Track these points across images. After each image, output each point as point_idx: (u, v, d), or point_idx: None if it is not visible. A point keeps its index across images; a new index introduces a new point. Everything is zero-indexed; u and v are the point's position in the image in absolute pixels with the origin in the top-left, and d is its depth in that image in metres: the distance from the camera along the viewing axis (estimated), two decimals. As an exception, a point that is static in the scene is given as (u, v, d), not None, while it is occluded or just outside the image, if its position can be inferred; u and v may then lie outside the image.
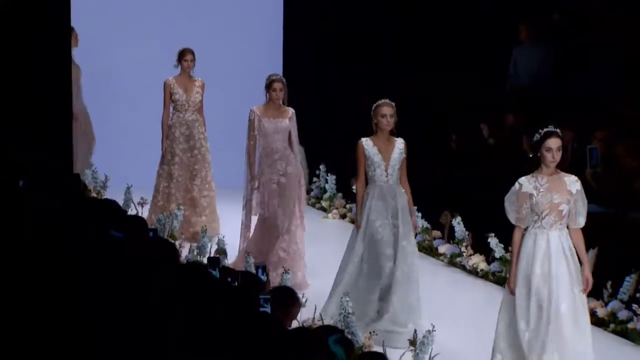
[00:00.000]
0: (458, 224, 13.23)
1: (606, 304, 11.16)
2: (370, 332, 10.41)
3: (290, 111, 11.93)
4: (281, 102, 11.88)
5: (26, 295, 7.81)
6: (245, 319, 7.44)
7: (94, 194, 13.85)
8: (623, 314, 11.02)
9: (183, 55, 13.33)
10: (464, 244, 13.05)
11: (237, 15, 16.90)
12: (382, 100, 10.34)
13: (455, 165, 14.25)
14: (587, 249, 11.69)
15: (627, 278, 11.21)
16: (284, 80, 11.91)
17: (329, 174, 15.42)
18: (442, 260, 13.29)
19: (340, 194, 15.51)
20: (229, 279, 8.59)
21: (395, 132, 10.43)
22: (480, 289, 12.49)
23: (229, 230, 12.99)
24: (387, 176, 10.38)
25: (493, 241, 12.63)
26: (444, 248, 13.32)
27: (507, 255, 12.28)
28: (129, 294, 7.84)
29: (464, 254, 12.94)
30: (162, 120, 13.39)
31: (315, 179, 15.87)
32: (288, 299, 7.98)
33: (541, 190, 8.65)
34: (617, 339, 10.89)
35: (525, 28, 15.66)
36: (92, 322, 7.39)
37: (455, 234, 13.32)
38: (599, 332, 10.90)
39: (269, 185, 11.84)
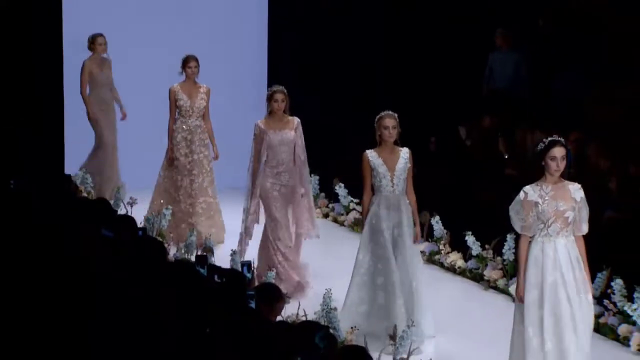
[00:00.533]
0: (437, 223, 13.19)
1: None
2: (352, 327, 10.33)
3: (296, 121, 11.50)
4: (284, 113, 11.46)
5: (20, 288, 7.88)
6: (233, 314, 7.42)
7: (84, 194, 13.76)
8: (595, 309, 10.97)
9: (187, 62, 13.03)
10: (442, 242, 13.04)
11: (224, 23, 16.64)
12: (384, 112, 10.14)
13: (434, 166, 14.17)
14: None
15: (599, 275, 11.23)
16: (285, 91, 11.47)
17: (312, 175, 15.37)
18: (422, 258, 13.25)
19: (322, 194, 15.46)
20: (216, 276, 8.54)
21: (399, 142, 10.23)
22: (458, 285, 12.49)
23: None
24: (392, 186, 10.13)
25: (470, 239, 12.63)
26: (423, 246, 13.25)
27: (484, 253, 12.42)
28: (120, 290, 7.88)
29: (442, 251, 12.95)
30: (169, 126, 13.11)
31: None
32: (272, 295, 7.96)
33: (546, 198, 8.43)
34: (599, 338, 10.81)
35: (501, 35, 15.71)
36: (85, 315, 7.47)
37: (434, 233, 13.27)
38: None
39: (271, 192, 11.43)
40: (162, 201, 13.02)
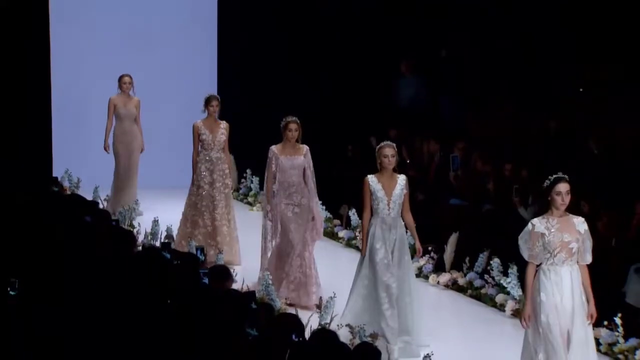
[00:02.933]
0: (353, 214, 13.12)
1: (465, 275, 11.27)
2: (285, 298, 10.31)
3: (305, 148, 10.61)
4: (296, 141, 10.54)
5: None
6: (190, 287, 7.52)
7: (69, 192, 13.72)
8: (478, 282, 11.18)
9: (209, 101, 11.91)
10: (358, 230, 12.87)
11: (181, 48, 16.13)
12: (385, 143, 9.43)
13: (351, 168, 14.20)
14: (451, 234, 11.88)
15: (481, 255, 11.32)
16: (298, 121, 10.54)
17: (253, 176, 15.32)
18: (341, 243, 13.27)
19: (262, 191, 15.14)
20: (176, 258, 8.57)
21: (397, 169, 9.48)
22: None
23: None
24: (389, 209, 9.29)
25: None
26: (342, 233, 13.30)
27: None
28: (95, 269, 7.88)
29: (358, 237, 12.80)
30: (192, 158, 11.95)
31: (243, 180, 15.77)
32: (222, 274, 7.92)
33: (552, 230, 7.65)
34: (473, 301, 11.02)
35: (405, 64, 15.88)
36: (64, 284, 7.44)
37: (351, 222, 13.23)
38: (460, 297, 11.15)
39: (285, 213, 10.51)
40: (188, 225, 11.89)
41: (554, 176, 7.74)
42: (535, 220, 7.74)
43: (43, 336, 6.53)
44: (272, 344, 6.36)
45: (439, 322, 9.80)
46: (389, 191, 9.29)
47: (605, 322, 9.49)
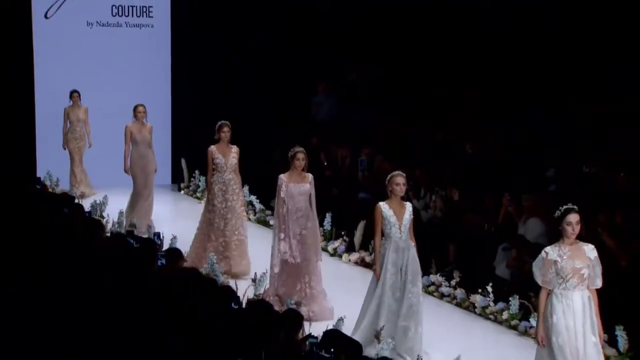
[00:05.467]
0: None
1: (371, 254, 11.14)
2: (227, 273, 10.18)
3: (310, 177, 9.64)
4: (302, 170, 9.60)
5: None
6: (146, 269, 7.50)
7: (50, 190, 13.58)
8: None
9: (221, 128, 10.94)
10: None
11: (141, 70, 15.96)
12: (396, 172, 8.55)
13: (278, 168, 14.16)
14: (359, 222, 11.90)
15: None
16: (305, 151, 9.68)
17: (201, 176, 15.24)
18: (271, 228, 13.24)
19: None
20: (137, 243, 8.50)
21: (405, 197, 8.63)
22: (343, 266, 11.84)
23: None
24: (400, 233, 8.36)
25: (327, 219, 12.26)
26: (272, 221, 13.22)
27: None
28: (75, 251, 7.78)
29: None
30: (207, 179, 11.06)
31: (192, 178, 15.69)
32: (175, 256, 7.78)
33: (564, 257, 6.91)
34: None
35: (321, 84, 15.98)
36: (48, 262, 7.31)
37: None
38: (367, 271, 10.82)
39: (294, 236, 9.50)
40: (201, 238, 10.97)
41: (565, 207, 6.99)
42: (548, 249, 7.01)
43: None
44: (215, 311, 6.30)
45: (350, 292, 9.77)
46: (399, 217, 8.40)
47: (480, 290, 9.69)
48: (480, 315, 9.61)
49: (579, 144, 12.13)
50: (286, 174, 9.59)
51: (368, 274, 10.32)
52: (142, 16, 15.99)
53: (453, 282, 10.29)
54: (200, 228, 11.02)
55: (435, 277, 10.48)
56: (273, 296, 9.44)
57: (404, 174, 8.49)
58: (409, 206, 8.50)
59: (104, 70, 15.55)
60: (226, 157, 10.95)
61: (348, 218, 12.15)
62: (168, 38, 16.11)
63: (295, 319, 6.22)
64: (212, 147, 10.97)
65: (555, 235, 10.10)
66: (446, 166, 12.75)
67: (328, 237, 12.29)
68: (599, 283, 6.98)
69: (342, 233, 12.12)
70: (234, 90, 15.98)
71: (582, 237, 9.85)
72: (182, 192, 15.84)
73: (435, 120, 14.01)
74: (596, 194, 10.79)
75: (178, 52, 16.11)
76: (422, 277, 10.40)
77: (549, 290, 6.98)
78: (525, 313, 9.24)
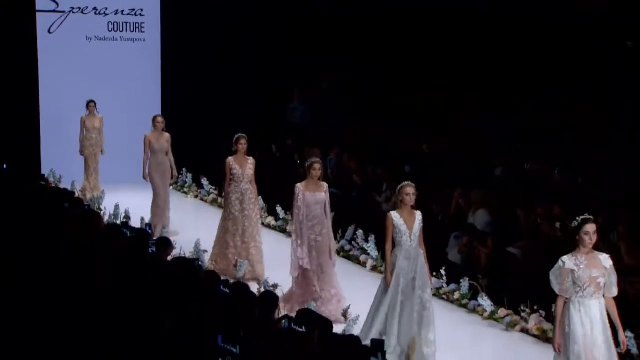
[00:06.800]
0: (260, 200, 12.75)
1: (339, 242, 11.11)
2: (213, 260, 9.99)
3: (325, 186, 9.03)
4: (318, 179, 8.98)
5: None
6: (138, 256, 7.48)
7: (53, 185, 13.50)
8: (347, 247, 11.20)
9: (239, 140, 10.33)
10: (264, 209, 12.60)
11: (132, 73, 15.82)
12: (406, 182, 7.86)
13: (259, 167, 14.16)
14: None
15: (350, 228, 11.30)
16: (321, 161, 9.12)
17: (188, 174, 15.17)
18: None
19: (194, 184, 14.91)
20: (131, 233, 8.37)
21: (415, 207, 7.89)
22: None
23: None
24: (410, 241, 7.73)
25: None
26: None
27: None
28: (73, 240, 7.72)
29: (263, 217, 12.50)
30: (224, 189, 10.40)
31: (180, 175, 15.56)
32: (165, 245, 7.70)
33: (581, 266, 6.29)
34: (345, 260, 10.93)
35: (296, 91, 15.96)
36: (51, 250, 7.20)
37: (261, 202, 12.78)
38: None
39: (309, 242, 8.90)
40: (221, 244, 10.36)
41: (582, 217, 6.36)
42: (565, 258, 6.36)
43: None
44: (202, 292, 6.29)
45: None
46: (410, 225, 7.76)
47: (434, 273, 9.74)
48: (434, 295, 9.64)
49: (521, 146, 12.24)
50: (303, 183, 8.97)
51: (337, 260, 10.33)
52: (135, 31, 15.99)
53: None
54: (219, 235, 10.42)
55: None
56: (290, 299, 8.95)
57: (414, 185, 7.82)
58: (418, 215, 7.85)
59: (101, 79, 15.50)
60: (243, 167, 10.34)
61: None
62: (158, 50, 16.10)
63: (271, 299, 6.21)
64: (230, 159, 10.34)
65: (502, 224, 10.31)
66: (405, 164, 12.82)
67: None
68: (614, 291, 6.39)
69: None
70: (217, 96, 15.90)
71: (522, 226, 10.12)
72: (171, 187, 15.72)
73: (396, 124, 14.06)
74: (535, 189, 10.91)
75: (167, 62, 16.11)
76: (382, 265, 10.55)
77: (566, 298, 6.38)
78: (474, 293, 9.30)
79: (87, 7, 15.54)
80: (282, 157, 14.69)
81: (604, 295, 6.34)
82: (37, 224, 8.25)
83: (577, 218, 6.35)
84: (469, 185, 10.85)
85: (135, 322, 5.65)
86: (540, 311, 8.63)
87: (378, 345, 5.55)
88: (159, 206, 11.89)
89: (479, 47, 13.13)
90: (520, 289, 9.04)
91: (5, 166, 12.33)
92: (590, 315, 6.30)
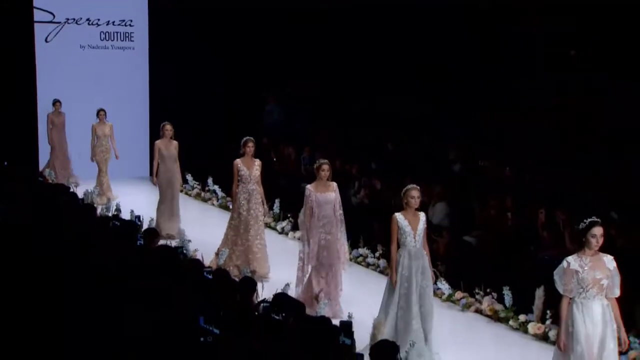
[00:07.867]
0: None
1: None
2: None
3: (334, 185, 8.68)
4: (327, 180, 8.68)
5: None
6: (127, 247, 7.43)
7: (50, 181, 13.35)
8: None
9: (246, 143, 10.00)
10: (278, 214, 12.30)
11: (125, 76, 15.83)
12: (411, 185, 7.50)
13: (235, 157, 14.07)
14: (302, 206, 11.92)
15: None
16: (329, 162, 8.76)
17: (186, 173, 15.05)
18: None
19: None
20: (121, 224, 8.33)
21: (419, 208, 7.52)
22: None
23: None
24: (415, 242, 7.40)
25: (276, 204, 12.11)
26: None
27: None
28: (69, 231, 7.70)
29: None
30: (232, 190, 9.95)
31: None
32: (152, 236, 7.66)
33: (586, 268, 5.96)
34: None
35: (270, 95, 15.92)
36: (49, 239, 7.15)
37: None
38: None
39: (319, 241, 8.60)
40: (229, 243, 9.94)
41: (589, 220, 5.99)
42: (570, 259, 6.04)
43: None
44: (189, 279, 6.28)
45: (294, 264, 9.36)
46: (414, 226, 7.42)
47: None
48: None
49: (477, 144, 12.31)
50: (313, 184, 8.66)
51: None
52: (125, 40, 16.03)
53: (377, 254, 10.36)
54: (227, 234, 10.05)
55: (363, 250, 10.56)
56: (304, 295, 8.62)
57: (419, 187, 7.48)
58: (422, 216, 7.50)
59: (94, 84, 15.52)
60: (250, 169, 9.94)
61: (293, 203, 12.08)
62: (146, 58, 16.18)
63: (249, 284, 6.20)
64: (238, 160, 9.96)
65: (459, 215, 10.35)
66: (371, 161, 12.85)
67: (277, 218, 12.28)
68: (617, 292, 6.05)
69: (289, 215, 12.12)
70: (201, 101, 15.87)
71: (477, 218, 10.18)
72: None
73: (363, 124, 14.08)
74: (489, 184, 10.99)
75: (155, 69, 16.14)
76: (352, 250, 10.54)
77: (570, 298, 6.03)
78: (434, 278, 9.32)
79: (81, 18, 15.57)
80: (259, 155, 14.51)
81: (606, 296, 6.03)
82: (38, 215, 8.22)
83: (585, 220, 5.98)
84: (429, 180, 10.89)
85: (124, 303, 5.59)
86: (493, 293, 8.73)
87: (346, 326, 5.47)
88: (163, 213, 11.58)
89: (442, 60, 13.13)
90: (474, 273, 9.10)
91: (5, 164, 12.20)
92: (592, 316, 5.98)
